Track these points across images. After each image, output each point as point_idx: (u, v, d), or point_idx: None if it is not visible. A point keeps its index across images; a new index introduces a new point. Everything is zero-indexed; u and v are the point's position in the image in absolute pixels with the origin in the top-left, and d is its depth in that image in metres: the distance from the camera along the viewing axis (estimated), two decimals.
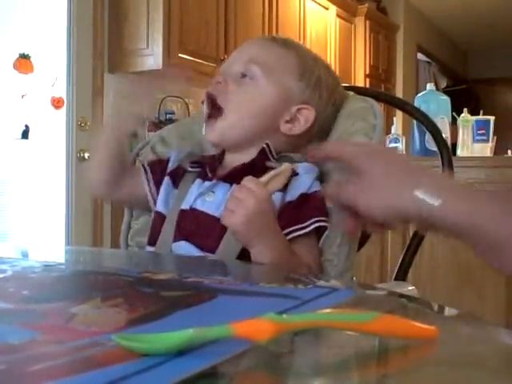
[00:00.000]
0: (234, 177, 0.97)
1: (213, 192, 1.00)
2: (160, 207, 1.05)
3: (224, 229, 0.93)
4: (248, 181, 0.87)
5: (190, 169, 1.05)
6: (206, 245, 0.95)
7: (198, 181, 1.03)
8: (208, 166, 1.03)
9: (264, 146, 1.01)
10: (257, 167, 0.98)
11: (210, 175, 1.01)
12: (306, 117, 1.03)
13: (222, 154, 1.05)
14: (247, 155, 1.01)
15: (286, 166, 0.93)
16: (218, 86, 1.02)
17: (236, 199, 0.86)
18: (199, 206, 0.99)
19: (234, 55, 1.06)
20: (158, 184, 1.08)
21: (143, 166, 1.10)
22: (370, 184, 0.74)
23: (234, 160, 1.03)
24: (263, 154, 1.01)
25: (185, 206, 1.01)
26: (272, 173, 0.91)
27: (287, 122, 1.02)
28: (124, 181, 1.09)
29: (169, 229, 1.01)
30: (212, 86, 1.03)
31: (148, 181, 1.08)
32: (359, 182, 0.73)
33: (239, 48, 1.08)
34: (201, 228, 0.97)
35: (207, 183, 1.01)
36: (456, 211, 0.69)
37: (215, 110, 1.01)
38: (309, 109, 1.03)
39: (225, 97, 1.01)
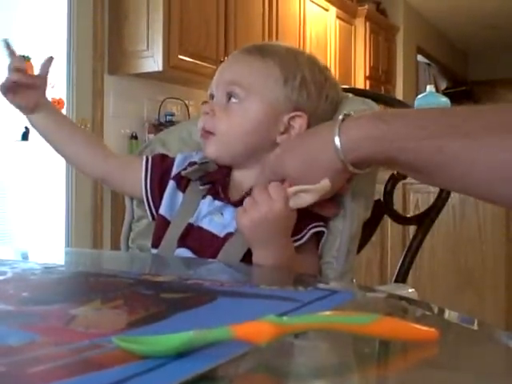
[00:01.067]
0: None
1: (221, 214, 1.00)
2: (163, 211, 1.05)
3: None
4: (273, 187, 0.85)
5: (200, 187, 1.04)
6: (207, 255, 0.96)
7: (209, 198, 1.02)
8: (220, 185, 1.02)
9: None
10: None
11: (222, 195, 1.01)
12: (299, 124, 1.00)
13: (229, 169, 1.05)
14: (253, 171, 1.01)
15: (321, 185, 0.86)
16: (207, 116, 1.01)
17: (253, 201, 0.85)
18: (206, 225, 0.99)
19: (217, 77, 1.04)
20: (156, 179, 1.07)
21: (146, 157, 1.10)
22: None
23: (241, 177, 1.02)
24: None
25: (193, 220, 1.01)
26: (303, 187, 0.86)
27: (282, 133, 1.00)
28: (97, 148, 1.13)
29: (173, 236, 1.01)
30: (202, 117, 1.02)
31: (146, 170, 1.08)
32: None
33: (221, 68, 1.06)
34: (203, 245, 0.98)
35: (217, 203, 1.00)
36: (372, 153, 0.79)
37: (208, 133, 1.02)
38: (301, 115, 1.00)
39: (213, 125, 1.00)
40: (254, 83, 1.01)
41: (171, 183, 1.06)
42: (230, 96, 1.00)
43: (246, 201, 0.86)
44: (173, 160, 1.10)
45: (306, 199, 0.86)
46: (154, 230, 1.06)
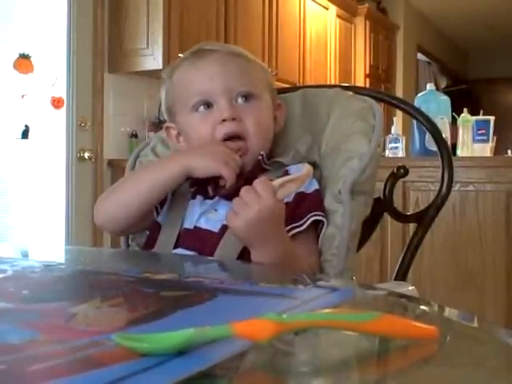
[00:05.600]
0: (235, 195, 0.97)
1: (215, 210, 1.00)
2: (160, 218, 1.05)
3: None
4: (258, 183, 0.85)
5: (191, 189, 1.04)
6: (204, 252, 0.96)
7: (199, 198, 1.02)
8: (211, 184, 1.01)
9: (259, 157, 1.01)
10: (252, 180, 0.97)
11: (211, 194, 1.01)
12: (281, 111, 1.10)
13: None
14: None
15: (305, 172, 0.89)
16: (233, 124, 1.00)
17: (242, 201, 0.85)
18: (203, 225, 1.00)
19: (216, 85, 1.02)
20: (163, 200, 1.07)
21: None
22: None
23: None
24: (258, 166, 1.01)
25: (188, 225, 1.01)
26: (288, 177, 0.88)
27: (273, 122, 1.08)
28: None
29: (168, 241, 1.01)
30: (225, 124, 1.00)
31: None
32: None
33: (214, 75, 1.03)
34: (203, 243, 0.97)
35: (209, 201, 1.01)
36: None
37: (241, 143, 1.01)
38: (281, 103, 1.10)
39: (243, 130, 1.01)
40: (259, 83, 1.06)
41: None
42: (244, 96, 1.02)
43: (235, 203, 0.85)
44: None
45: (291, 188, 0.88)
46: (148, 234, 1.06)
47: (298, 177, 0.88)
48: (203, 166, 0.96)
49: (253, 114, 1.01)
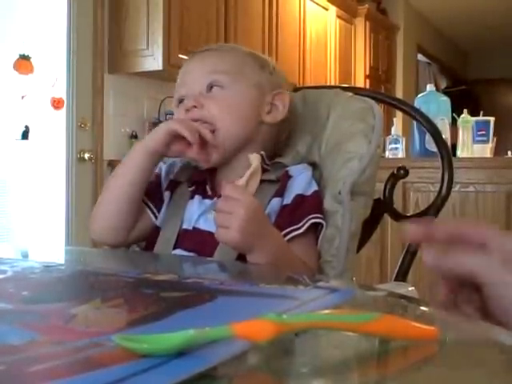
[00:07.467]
0: None
1: (215, 211, 1.00)
2: (159, 220, 1.05)
3: None
4: (230, 190, 0.86)
5: (189, 189, 1.04)
6: (203, 253, 0.96)
7: (198, 198, 1.02)
8: (209, 184, 1.02)
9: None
10: None
11: (210, 193, 1.01)
12: (282, 100, 1.06)
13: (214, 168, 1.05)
14: (238, 163, 1.01)
15: (256, 162, 0.91)
16: (194, 110, 1.00)
17: (225, 213, 0.85)
18: (202, 225, 0.99)
19: (190, 75, 1.05)
20: (158, 202, 1.07)
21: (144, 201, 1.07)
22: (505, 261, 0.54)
23: (226, 171, 1.03)
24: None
25: (187, 225, 1.01)
26: (248, 173, 0.89)
27: (268, 112, 1.05)
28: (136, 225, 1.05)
29: (167, 242, 1.00)
30: (188, 112, 1.00)
31: (149, 206, 1.06)
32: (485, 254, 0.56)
33: (189, 68, 1.06)
34: (203, 245, 0.97)
35: (208, 201, 1.01)
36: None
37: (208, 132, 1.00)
38: (282, 92, 1.07)
39: (204, 113, 1.00)
40: (234, 70, 1.04)
41: (166, 194, 1.06)
42: (211, 86, 1.02)
43: (219, 219, 0.86)
44: (158, 176, 1.09)
45: (256, 180, 0.90)
46: (147, 237, 1.06)
47: (254, 169, 0.90)
48: (162, 130, 0.97)
49: (217, 100, 1.01)
